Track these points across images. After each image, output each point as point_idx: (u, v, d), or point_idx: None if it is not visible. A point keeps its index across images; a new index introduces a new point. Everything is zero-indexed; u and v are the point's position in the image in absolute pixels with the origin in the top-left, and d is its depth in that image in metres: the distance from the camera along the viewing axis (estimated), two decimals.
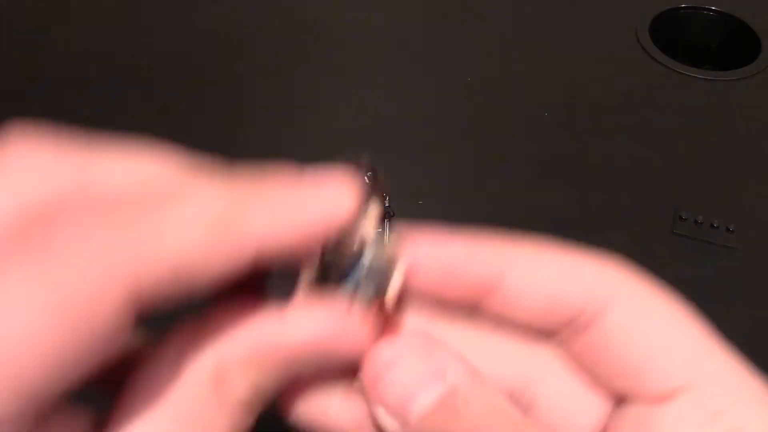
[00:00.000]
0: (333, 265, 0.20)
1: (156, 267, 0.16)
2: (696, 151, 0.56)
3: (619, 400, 0.20)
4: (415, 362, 0.19)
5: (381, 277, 0.20)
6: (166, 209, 0.16)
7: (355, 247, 0.20)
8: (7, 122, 0.20)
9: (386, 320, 0.20)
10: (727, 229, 0.49)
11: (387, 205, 0.21)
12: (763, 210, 0.51)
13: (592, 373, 0.21)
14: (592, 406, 0.21)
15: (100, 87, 0.61)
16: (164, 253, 0.16)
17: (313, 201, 0.18)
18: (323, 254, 0.20)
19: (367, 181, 0.20)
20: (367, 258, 0.20)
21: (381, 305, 0.20)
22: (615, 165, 0.54)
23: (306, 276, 0.19)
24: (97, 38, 0.66)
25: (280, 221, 0.18)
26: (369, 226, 0.20)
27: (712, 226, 0.49)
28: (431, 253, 0.20)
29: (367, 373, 0.19)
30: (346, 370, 0.20)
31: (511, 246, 0.21)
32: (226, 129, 0.56)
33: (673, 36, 0.66)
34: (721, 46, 0.66)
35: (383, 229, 0.20)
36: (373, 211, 0.20)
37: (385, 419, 0.19)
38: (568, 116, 0.59)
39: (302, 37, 0.65)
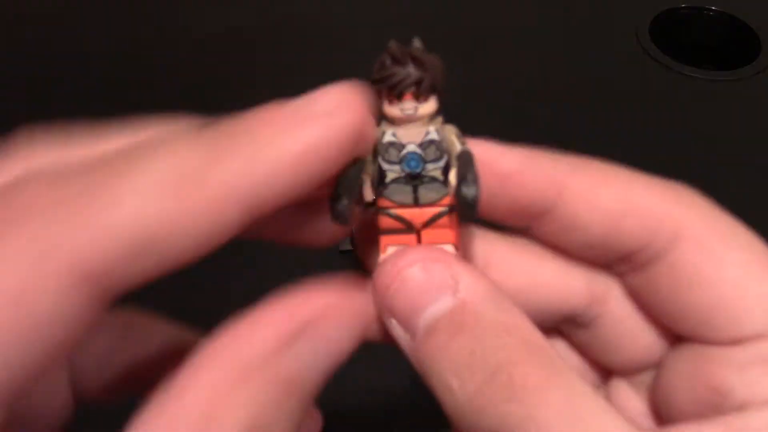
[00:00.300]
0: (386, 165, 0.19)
1: (109, 241, 0.14)
2: (696, 151, 0.56)
3: (679, 337, 0.19)
4: (426, 273, 0.18)
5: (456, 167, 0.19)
6: (122, 175, 0.15)
7: (406, 151, 0.19)
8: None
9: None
10: None
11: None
12: (763, 210, 0.51)
13: (651, 310, 0.20)
14: (650, 337, 0.20)
15: (100, 87, 0.61)
16: (119, 224, 0.14)
17: (298, 128, 0.16)
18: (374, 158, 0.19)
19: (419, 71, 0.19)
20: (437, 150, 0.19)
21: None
22: (615, 165, 0.54)
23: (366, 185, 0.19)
24: (97, 38, 0.66)
25: (260, 161, 0.15)
26: (432, 123, 0.19)
27: None
28: (487, 158, 0.19)
29: (377, 280, 0.19)
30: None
31: (573, 164, 0.20)
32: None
33: (673, 36, 0.66)
34: (721, 46, 0.66)
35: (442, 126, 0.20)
36: (431, 105, 0.19)
37: (396, 329, 0.18)
38: (568, 116, 0.59)
39: (303, 38, 0.65)
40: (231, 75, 0.62)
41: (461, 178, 0.18)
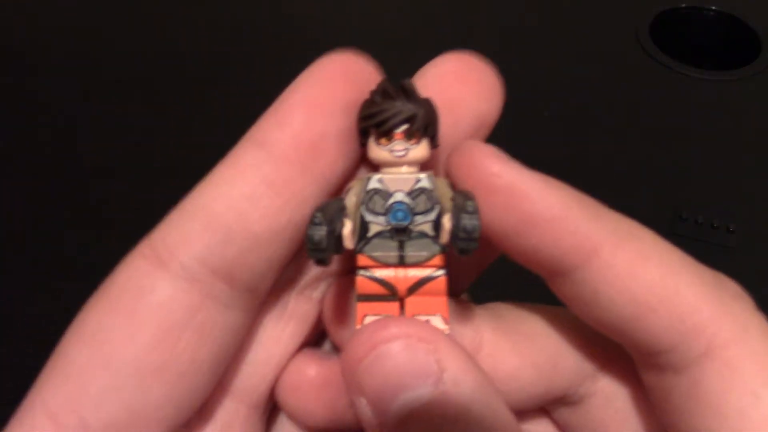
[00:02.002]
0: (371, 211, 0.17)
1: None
2: (696, 151, 0.56)
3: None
4: (408, 353, 0.16)
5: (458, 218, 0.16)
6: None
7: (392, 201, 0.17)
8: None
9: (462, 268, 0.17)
10: (727, 229, 0.49)
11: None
12: (763, 210, 0.51)
13: (654, 408, 0.18)
14: (645, 427, 0.19)
15: (100, 87, 0.61)
16: None
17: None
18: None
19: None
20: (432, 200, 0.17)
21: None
22: (615, 165, 0.54)
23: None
24: (96, 38, 0.66)
25: None
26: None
27: (712, 226, 0.49)
28: (521, 189, 0.16)
29: (350, 350, 0.17)
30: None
31: (616, 226, 0.17)
32: (227, 131, 0.56)
33: (673, 36, 0.66)
34: (721, 46, 0.66)
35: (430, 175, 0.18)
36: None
37: (364, 410, 0.16)
38: (567, 116, 0.59)
39: (304, 38, 0.65)
40: (230, 75, 0.62)
41: (460, 208, 0.16)
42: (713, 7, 0.66)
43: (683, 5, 0.67)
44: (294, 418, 0.20)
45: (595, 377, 0.19)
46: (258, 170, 0.17)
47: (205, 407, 0.19)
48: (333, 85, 0.17)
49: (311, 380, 0.19)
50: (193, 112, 0.59)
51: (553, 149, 0.56)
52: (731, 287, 0.17)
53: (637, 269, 0.16)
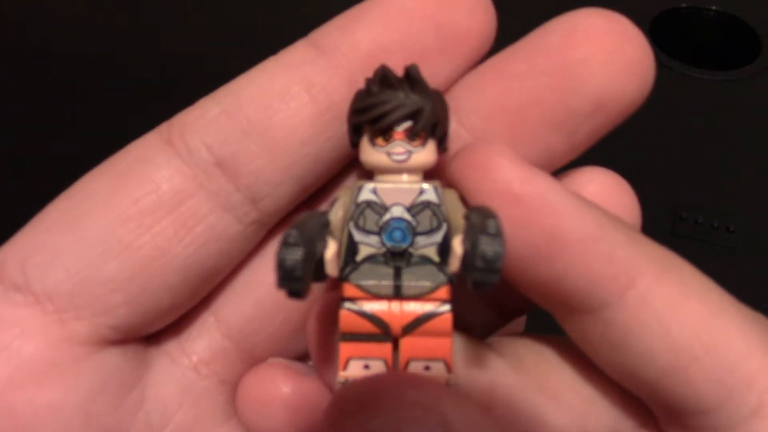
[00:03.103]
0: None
1: None
2: (696, 151, 0.56)
3: None
4: (404, 426, 0.12)
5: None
6: None
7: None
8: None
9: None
10: (727, 229, 0.49)
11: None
12: (763, 210, 0.51)
13: None
14: None
15: (99, 87, 0.61)
16: None
17: None
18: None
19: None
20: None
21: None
22: (615, 165, 0.54)
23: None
24: (96, 38, 0.66)
25: None
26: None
27: (712, 226, 0.49)
28: (544, 201, 0.13)
29: (330, 414, 0.13)
30: None
31: (656, 258, 0.14)
32: None
33: (673, 36, 0.66)
34: (721, 46, 0.66)
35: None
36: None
37: None
38: None
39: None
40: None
41: (479, 229, 0.12)
42: (713, 7, 0.66)
43: (683, 5, 0.67)
44: None
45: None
46: (300, 68, 0.15)
47: (184, 328, 0.17)
48: (414, 2, 0.15)
49: (285, 398, 0.16)
50: None
51: None
52: None
53: (680, 308, 0.13)
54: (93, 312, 0.15)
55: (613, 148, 0.58)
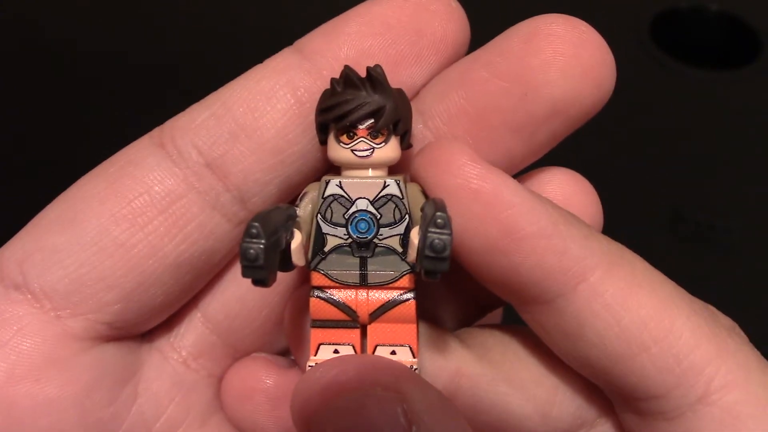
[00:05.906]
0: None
1: None
2: (696, 151, 0.56)
3: None
4: (369, 407, 0.13)
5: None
6: None
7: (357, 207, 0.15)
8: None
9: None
10: (728, 229, 0.49)
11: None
12: (763, 210, 0.51)
13: None
14: None
15: (99, 87, 0.61)
16: None
17: None
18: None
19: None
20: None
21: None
22: (615, 165, 0.54)
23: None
24: (96, 38, 0.66)
25: None
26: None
27: (712, 226, 0.49)
28: (497, 197, 0.14)
29: (297, 397, 0.14)
30: None
31: (609, 253, 0.14)
32: None
33: (673, 36, 0.66)
34: (721, 46, 0.66)
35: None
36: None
37: None
38: None
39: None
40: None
41: (428, 220, 0.13)
42: (713, 7, 0.66)
43: (683, 5, 0.67)
44: (238, 428, 0.18)
45: (594, 426, 0.17)
46: (285, 72, 0.16)
47: (173, 324, 0.17)
48: (393, 10, 0.16)
49: (267, 390, 0.17)
50: None
51: (552, 149, 0.56)
52: (725, 322, 0.15)
53: (629, 300, 0.14)
54: (89, 309, 0.16)
55: (613, 148, 0.58)
